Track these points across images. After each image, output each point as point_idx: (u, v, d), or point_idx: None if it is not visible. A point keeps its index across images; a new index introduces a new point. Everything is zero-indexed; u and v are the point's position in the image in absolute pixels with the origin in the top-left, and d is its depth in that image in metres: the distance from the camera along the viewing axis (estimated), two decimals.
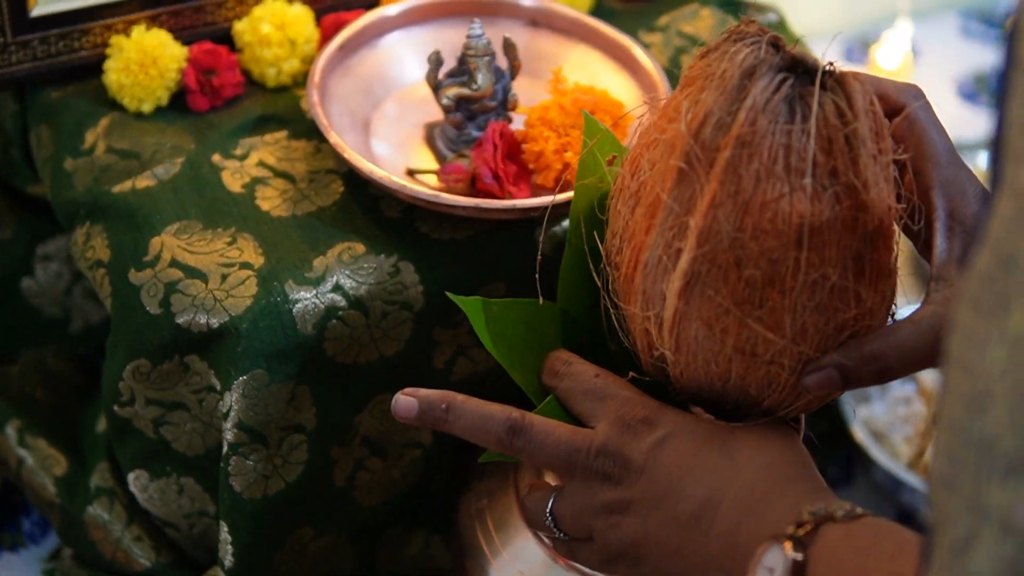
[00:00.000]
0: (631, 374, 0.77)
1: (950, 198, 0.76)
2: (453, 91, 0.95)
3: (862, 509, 0.66)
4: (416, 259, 0.90)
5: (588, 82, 0.98)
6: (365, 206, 0.93)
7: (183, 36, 1.02)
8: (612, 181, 0.79)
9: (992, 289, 0.43)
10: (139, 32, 0.99)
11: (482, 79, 0.95)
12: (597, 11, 1.11)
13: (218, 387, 0.88)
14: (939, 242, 0.75)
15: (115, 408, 0.92)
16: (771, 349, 0.71)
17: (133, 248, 0.90)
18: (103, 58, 1.00)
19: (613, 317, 0.78)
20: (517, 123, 0.98)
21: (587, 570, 0.86)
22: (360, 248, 0.90)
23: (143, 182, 0.93)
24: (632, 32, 1.07)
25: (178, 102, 1.01)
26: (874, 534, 0.65)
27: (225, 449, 0.87)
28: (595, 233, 0.79)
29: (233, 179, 0.94)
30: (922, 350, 0.72)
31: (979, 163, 1.51)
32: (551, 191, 0.93)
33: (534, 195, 0.94)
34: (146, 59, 0.97)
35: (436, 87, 0.96)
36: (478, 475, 0.94)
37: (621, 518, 0.73)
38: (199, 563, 0.98)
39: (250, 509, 0.89)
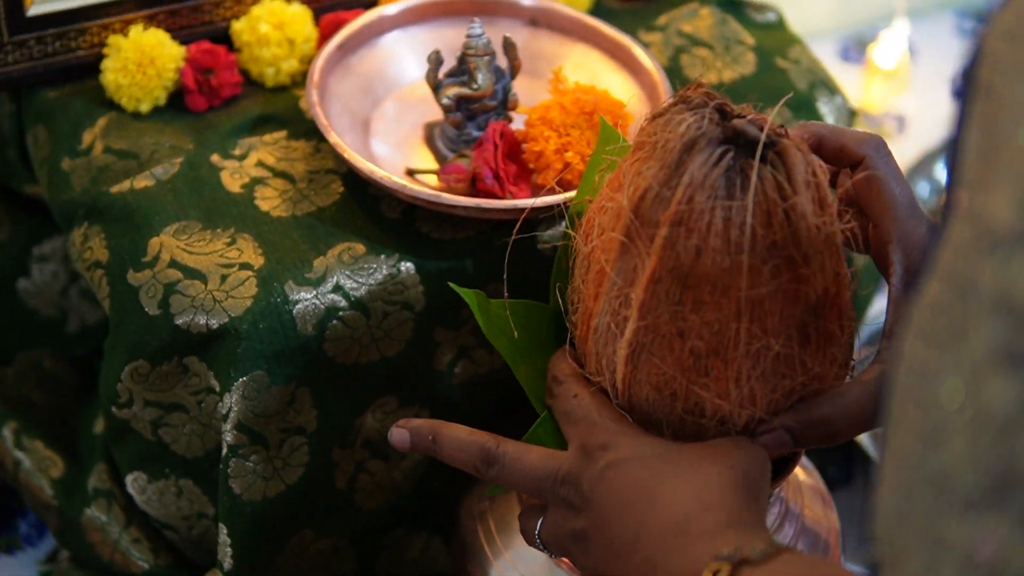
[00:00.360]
0: None
1: (907, 253, 0.76)
2: (453, 91, 0.95)
3: (779, 543, 0.64)
4: (417, 259, 0.89)
5: (588, 82, 0.98)
6: (365, 206, 0.93)
7: (180, 36, 1.01)
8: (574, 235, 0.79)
9: (945, 319, 0.42)
10: (137, 32, 0.98)
11: (482, 79, 0.94)
12: (596, 10, 1.11)
13: (217, 388, 0.88)
14: (896, 296, 0.76)
15: (113, 410, 0.91)
16: (719, 412, 0.72)
17: (132, 249, 0.89)
18: (100, 58, 0.99)
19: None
20: (517, 123, 0.97)
21: None
22: (360, 248, 0.89)
23: (141, 182, 0.92)
24: (631, 31, 1.07)
25: (176, 102, 1.00)
26: (795, 571, 0.63)
27: (225, 451, 0.87)
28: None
29: (232, 179, 0.93)
30: (871, 411, 0.72)
31: None
32: (551, 191, 0.93)
33: (534, 195, 0.93)
34: (144, 59, 0.97)
35: (436, 87, 0.96)
36: (478, 478, 0.94)
37: (587, 546, 0.71)
38: (198, 565, 0.97)
39: (250, 511, 0.88)
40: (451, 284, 0.80)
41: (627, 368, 0.72)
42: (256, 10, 1.02)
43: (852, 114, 1.11)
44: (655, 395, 0.72)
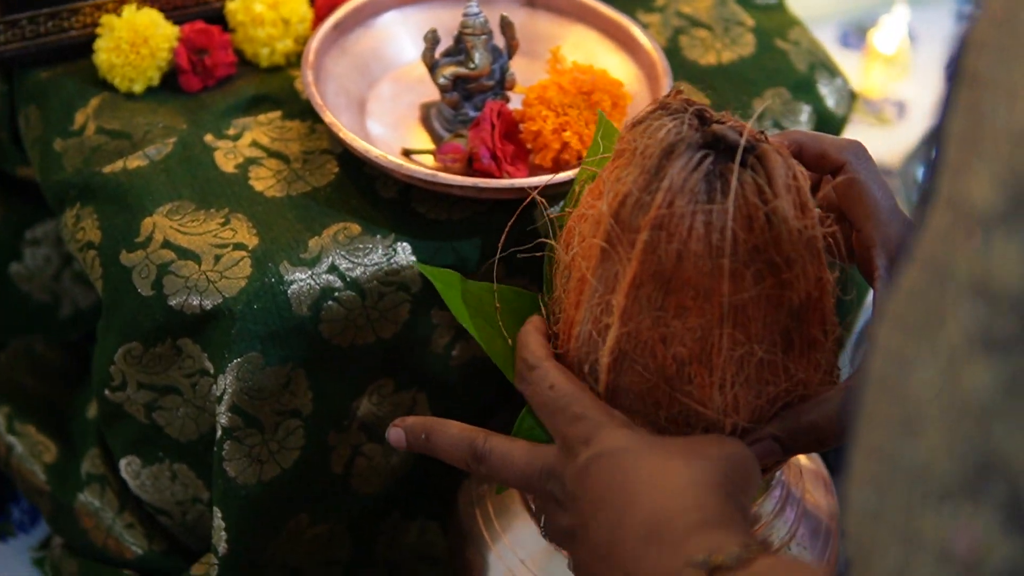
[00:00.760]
0: None
1: (891, 256, 0.75)
2: (450, 70, 0.94)
3: (759, 546, 0.61)
4: (413, 240, 0.88)
5: (586, 62, 0.97)
6: (360, 186, 0.91)
7: (174, 16, 1.00)
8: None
9: (922, 305, 0.41)
10: (130, 11, 0.97)
11: (479, 58, 0.93)
12: None
13: (211, 370, 0.87)
14: (880, 299, 0.75)
15: (106, 393, 0.90)
16: (704, 421, 0.71)
17: (125, 229, 0.88)
18: (93, 38, 0.98)
19: None
20: (514, 103, 0.96)
21: None
22: (356, 229, 0.88)
23: (134, 163, 0.91)
24: (630, 12, 1.06)
25: (170, 82, 0.99)
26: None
27: (219, 434, 0.86)
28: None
29: (226, 159, 0.92)
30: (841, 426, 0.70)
31: None
32: (549, 171, 0.92)
33: (531, 175, 0.92)
34: (137, 39, 0.96)
35: (432, 66, 0.94)
36: None
37: (572, 542, 0.69)
38: (192, 551, 0.96)
39: (244, 495, 0.87)
40: (418, 265, 0.79)
41: (610, 376, 0.71)
42: None
43: (852, 96, 1.10)
44: (639, 403, 0.72)
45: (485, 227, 0.90)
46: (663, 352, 0.70)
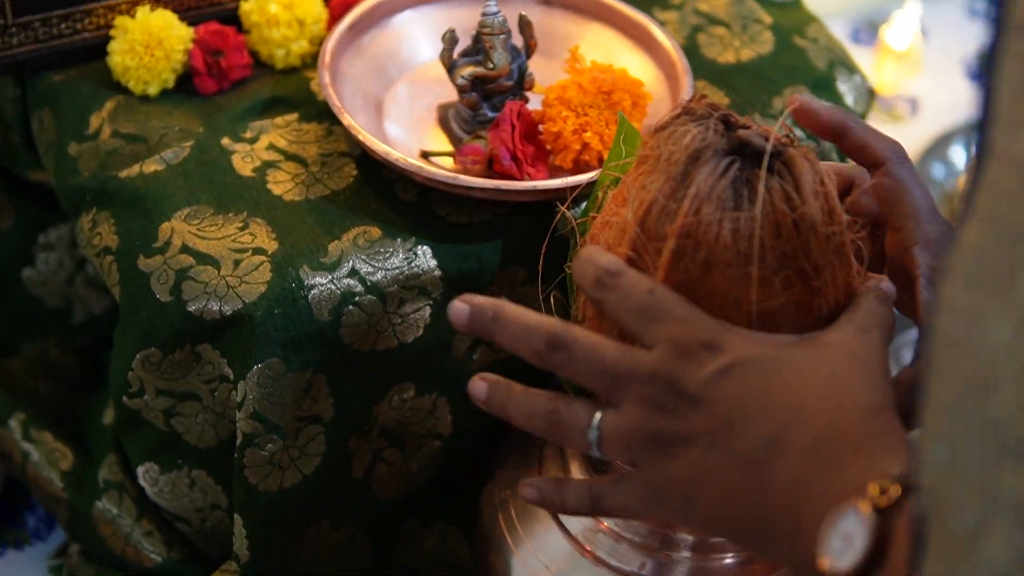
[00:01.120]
0: None
1: (933, 254, 0.74)
2: (468, 71, 0.93)
3: None
4: (433, 243, 0.87)
5: (604, 61, 0.96)
6: (380, 189, 0.91)
7: (187, 17, 0.99)
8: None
9: (991, 263, 0.41)
10: (144, 13, 0.96)
11: (498, 58, 0.92)
12: None
13: (231, 376, 0.86)
14: (924, 296, 0.74)
15: (124, 399, 0.89)
16: None
17: (142, 234, 0.87)
18: (106, 40, 0.97)
19: None
20: (533, 103, 0.95)
21: (614, 561, 0.84)
22: (376, 232, 0.87)
23: (151, 166, 0.90)
24: (646, 10, 1.05)
25: (184, 84, 0.98)
26: None
27: (240, 440, 0.85)
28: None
29: (243, 163, 0.91)
30: (905, 412, 0.67)
31: None
32: (569, 172, 0.91)
33: (552, 176, 0.91)
34: (152, 40, 0.95)
35: (451, 67, 0.93)
36: (501, 464, 0.92)
37: (677, 450, 0.65)
38: (212, 558, 0.95)
39: (265, 502, 0.86)
40: None
41: None
42: None
43: (871, 93, 1.09)
44: None
45: (506, 229, 0.89)
46: None
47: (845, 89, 1.06)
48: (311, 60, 1.01)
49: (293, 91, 0.98)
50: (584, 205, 0.87)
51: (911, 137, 1.50)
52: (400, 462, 0.93)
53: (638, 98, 0.93)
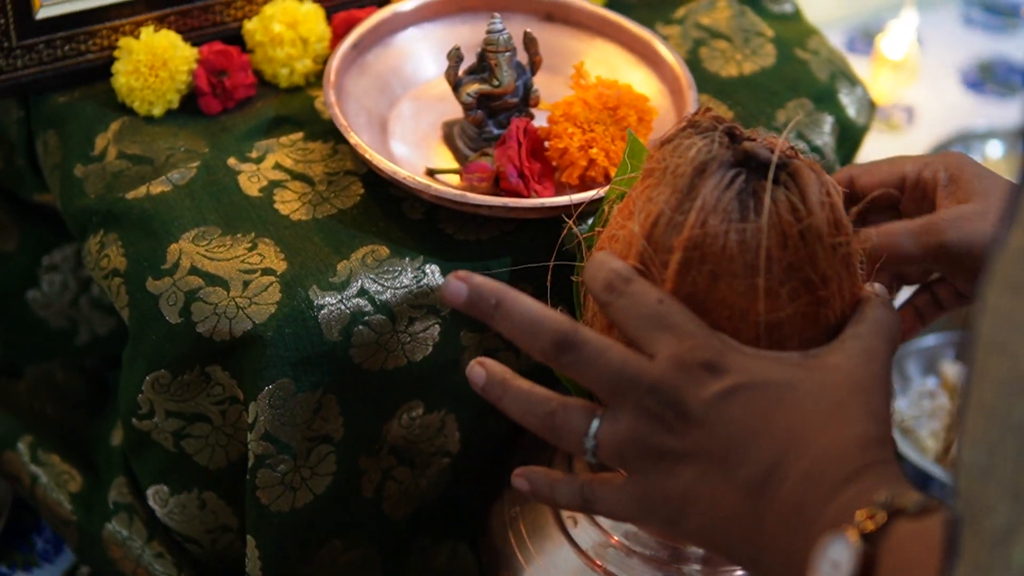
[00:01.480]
0: None
1: (949, 168, 0.79)
2: (474, 88, 0.93)
3: (935, 500, 0.60)
4: (442, 261, 0.87)
5: (608, 77, 0.96)
6: (387, 208, 0.91)
7: (191, 37, 0.99)
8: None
9: None
10: (148, 33, 0.96)
11: (504, 75, 0.92)
12: (610, 5, 1.09)
13: (241, 397, 0.86)
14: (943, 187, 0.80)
15: (133, 421, 0.89)
16: None
17: (150, 256, 0.87)
18: (110, 61, 0.97)
19: None
20: (538, 120, 0.95)
21: (624, 575, 0.84)
22: (384, 251, 0.87)
23: (158, 188, 0.90)
24: (649, 25, 1.05)
25: (189, 105, 0.98)
26: None
27: (251, 461, 0.85)
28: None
29: (250, 183, 0.91)
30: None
31: (988, 152, 1.50)
32: (575, 189, 0.91)
33: (558, 193, 0.91)
34: (156, 61, 0.95)
35: (456, 84, 0.93)
36: (510, 484, 0.92)
37: (673, 466, 0.66)
38: None
39: (278, 523, 0.86)
40: None
41: None
42: (268, 9, 1.00)
43: (872, 105, 1.10)
44: None
45: (513, 246, 0.89)
46: None
47: (847, 101, 1.06)
48: (315, 79, 1.01)
49: (298, 110, 0.98)
50: (591, 221, 0.87)
51: (908, 146, 1.50)
52: (409, 480, 0.93)
53: (644, 113, 0.93)
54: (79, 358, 1.10)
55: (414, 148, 0.96)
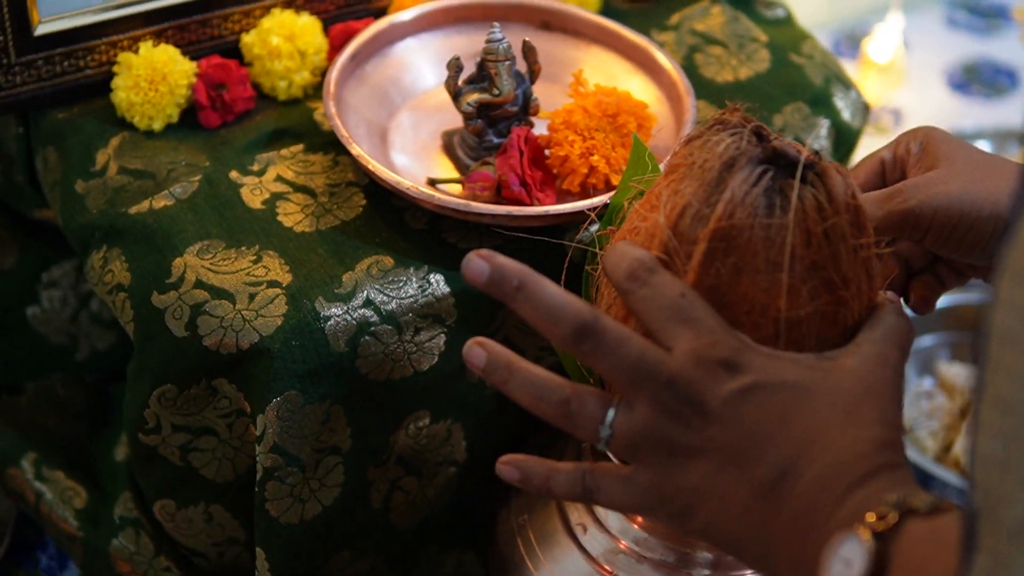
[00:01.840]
0: None
1: (919, 139, 0.83)
2: (474, 97, 0.93)
3: (947, 501, 0.61)
4: (446, 271, 0.88)
5: (606, 84, 0.96)
6: (389, 218, 0.91)
7: (189, 51, 0.99)
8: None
9: None
10: (147, 48, 0.96)
11: (503, 84, 0.93)
12: (604, 12, 1.09)
13: (248, 410, 0.86)
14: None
15: (140, 436, 0.89)
16: None
17: (155, 270, 0.87)
18: (108, 76, 0.97)
19: None
20: (537, 128, 0.96)
21: None
22: (389, 261, 0.87)
23: (160, 202, 0.90)
24: (643, 32, 1.05)
25: (188, 119, 0.98)
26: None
27: (260, 474, 0.85)
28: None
29: (252, 195, 0.91)
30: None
31: None
32: (577, 196, 0.91)
33: (559, 201, 0.92)
34: (156, 75, 0.95)
35: (456, 94, 0.94)
36: (516, 492, 0.92)
37: (687, 461, 0.66)
38: None
39: (287, 534, 0.86)
40: None
41: None
42: (266, 22, 1.00)
43: (866, 108, 1.11)
44: None
45: (516, 254, 0.88)
46: None
47: (842, 105, 1.07)
48: (313, 91, 1.01)
49: (297, 122, 0.98)
50: (596, 227, 0.87)
51: None
52: (417, 490, 0.93)
53: (643, 120, 0.94)
54: (79, 373, 1.10)
55: (414, 158, 0.97)
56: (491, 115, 0.94)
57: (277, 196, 0.91)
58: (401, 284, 0.87)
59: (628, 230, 0.74)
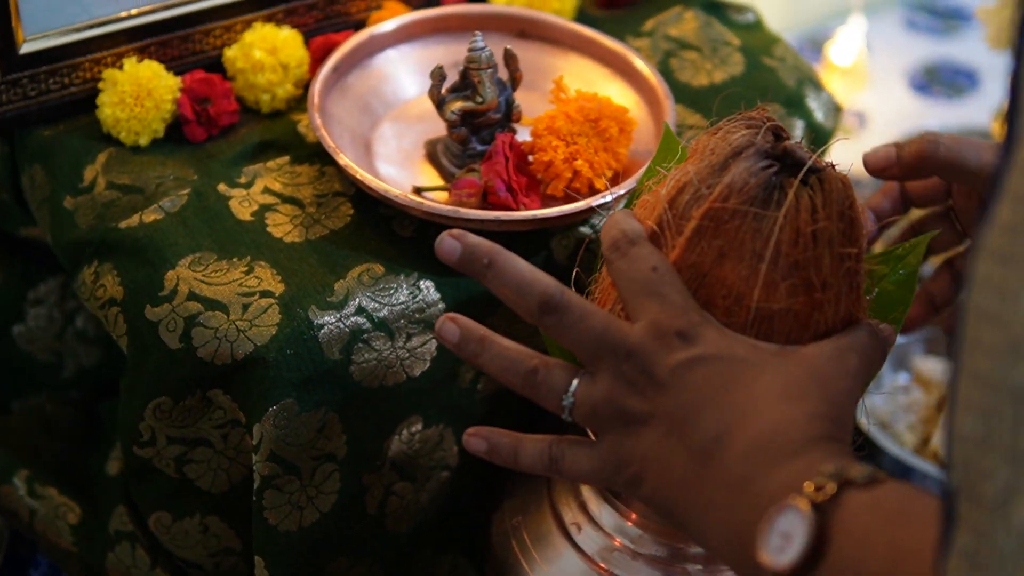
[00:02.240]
0: None
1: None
2: (458, 105, 0.94)
3: (882, 472, 0.61)
4: (436, 277, 0.89)
5: (586, 90, 0.98)
6: (377, 227, 0.92)
7: (173, 67, 0.99)
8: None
9: (1021, 240, 0.43)
10: (131, 64, 0.97)
11: (487, 92, 0.94)
12: (579, 20, 1.11)
13: (242, 420, 0.86)
14: None
15: (134, 449, 0.89)
16: None
17: (147, 284, 0.87)
18: (93, 93, 0.97)
19: None
20: (520, 135, 0.97)
21: None
22: (379, 269, 0.88)
23: (150, 216, 0.91)
24: (619, 38, 1.07)
25: (174, 133, 0.98)
26: (900, 501, 0.59)
27: (257, 483, 0.85)
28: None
29: (242, 207, 0.92)
30: None
31: None
32: (561, 201, 0.93)
33: (544, 206, 0.93)
34: (141, 91, 0.95)
35: (440, 102, 0.95)
36: (509, 494, 0.93)
37: (637, 428, 0.68)
38: None
39: (286, 542, 0.87)
40: None
41: None
42: (248, 36, 1.00)
43: (838, 109, 1.12)
44: None
45: None
46: None
47: (815, 106, 1.08)
48: (295, 103, 1.02)
49: (281, 134, 0.99)
50: (582, 229, 0.89)
51: (860, 150, 1.53)
52: (411, 495, 0.94)
53: (624, 124, 0.95)
54: (66, 391, 1.10)
55: (399, 167, 0.98)
56: (475, 123, 0.95)
57: (266, 208, 0.92)
58: (392, 291, 0.88)
59: (640, 203, 0.77)
